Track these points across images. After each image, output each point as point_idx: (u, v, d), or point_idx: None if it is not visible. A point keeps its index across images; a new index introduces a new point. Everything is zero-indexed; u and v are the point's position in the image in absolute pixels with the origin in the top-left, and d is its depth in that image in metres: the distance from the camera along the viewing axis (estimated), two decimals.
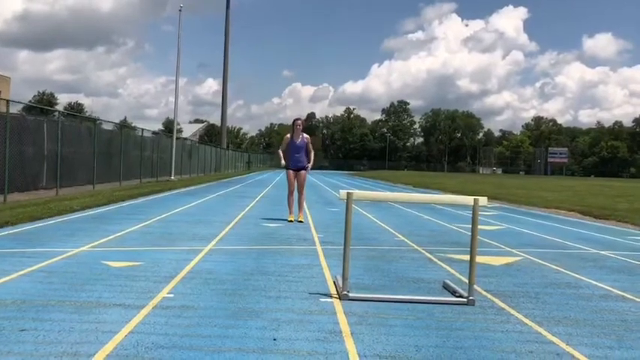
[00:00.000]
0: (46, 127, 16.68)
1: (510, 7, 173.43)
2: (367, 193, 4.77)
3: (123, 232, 7.59)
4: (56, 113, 19.88)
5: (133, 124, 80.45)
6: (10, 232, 7.34)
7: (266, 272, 5.20)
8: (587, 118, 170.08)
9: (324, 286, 4.67)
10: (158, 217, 9.72)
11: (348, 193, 4.29)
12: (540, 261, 6.44)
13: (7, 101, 13.75)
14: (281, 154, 10.02)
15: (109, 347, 2.97)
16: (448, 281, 4.86)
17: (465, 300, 4.22)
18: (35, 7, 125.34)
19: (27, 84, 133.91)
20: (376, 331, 3.47)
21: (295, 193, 9.94)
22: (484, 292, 4.63)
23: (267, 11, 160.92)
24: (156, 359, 2.84)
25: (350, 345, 3.17)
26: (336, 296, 4.29)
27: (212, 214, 10.71)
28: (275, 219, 10.07)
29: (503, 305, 4.26)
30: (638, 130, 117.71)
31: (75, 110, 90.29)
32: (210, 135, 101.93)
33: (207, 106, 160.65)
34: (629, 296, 4.75)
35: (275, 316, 3.71)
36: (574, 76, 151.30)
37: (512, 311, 4.09)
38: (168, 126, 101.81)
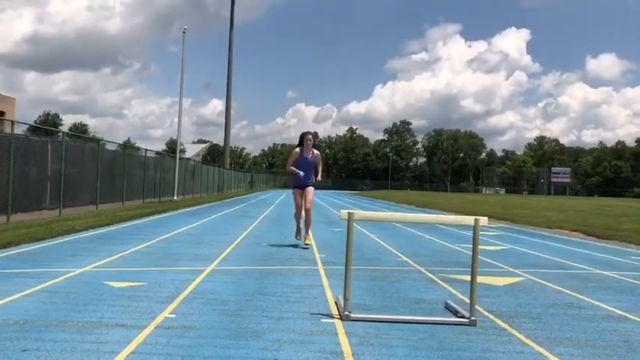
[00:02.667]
0: (50, 147, 16.77)
1: (513, 28, 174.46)
2: (368, 213, 4.79)
3: (125, 253, 7.61)
4: (60, 134, 19.98)
5: (136, 144, 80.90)
6: (13, 252, 7.36)
7: (268, 293, 5.21)
8: (590, 138, 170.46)
9: (325, 307, 4.67)
10: (161, 238, 9.73)
11: (349, 214, 4.32)
12: (543, 281, 6.43)
13: (12, 122, 13.87)
14: (288, 169, 9.14)
15: (126, 351, 2.98)
16: (450, 302, 4.86)
17: (466, 320, 4.22)
18: (44, 29, 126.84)
19: (32, 105, 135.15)
20: (377, 351, 3.47)
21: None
22: (486, 313, 4.63)
23: (271, 31, 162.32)
24: None
25: (349, 354, 3.17)
26: (338, 317, 4.30)
27: (214, 235, 10.72)
28: (277, 239, 10.08)
29: (504, 326, 4.25)
30: None
31: (79, 131, 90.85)
32: (214, 155, 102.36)
33: (212, 127, 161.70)
34: (631, 317, 4.74)
35: (276, 337, 3.71)
36: (577, 96, 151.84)
37: (514, 332, 4.09)
38: (172, 146, 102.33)
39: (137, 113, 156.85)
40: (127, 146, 27.01)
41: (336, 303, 4.74)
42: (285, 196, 40.48)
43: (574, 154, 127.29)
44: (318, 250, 8.63)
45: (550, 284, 6.24)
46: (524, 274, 6.92)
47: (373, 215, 4.75)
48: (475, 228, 4.23)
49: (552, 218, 20.70)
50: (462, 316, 4.33)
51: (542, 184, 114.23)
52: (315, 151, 9.11)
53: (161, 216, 15.66)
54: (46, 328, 3.72)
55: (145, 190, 24.54)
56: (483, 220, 4.25)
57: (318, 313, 4.41)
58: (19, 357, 3.10)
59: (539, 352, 3.58)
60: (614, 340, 3.97)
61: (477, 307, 4.38)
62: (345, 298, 4.25)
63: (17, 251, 7.46)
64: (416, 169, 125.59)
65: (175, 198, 27.10)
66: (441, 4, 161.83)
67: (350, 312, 4.23)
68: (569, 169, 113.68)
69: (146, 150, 25.77)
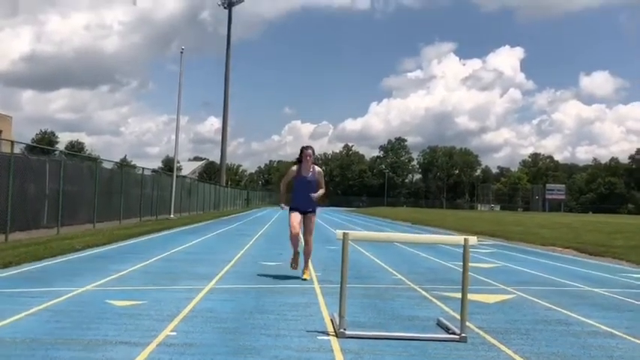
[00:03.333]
0: (48, 166, 16.90)
1: (507, 47, 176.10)
2: (363, 233, 4.98)
3: (125, 272, 7.75)
4: (57, 152, 20.10)
5: (132, 162, 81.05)
6: (15, 272, 7.49)
7: (265, 311, 5.36)
8: (584, 154, 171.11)
9: (321, 324, 4.83)
10: (159, 257, 9.87)
11: (344, 234, 4.49)
12: (533, 298, 6.59)
13: (12, 142, 14.05)
14: (282, 189, 8.14)
15: None
16: (442, 319, 5.02)
17: (457, 337, 4.38)
18: (42, 47, 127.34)
19: (29, 123, 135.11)
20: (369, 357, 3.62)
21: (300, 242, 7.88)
22: (476, 329, 4.79)
23: (268, 49, 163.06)
24: None
25: None
26: (333, 334, 4.45)
27: (212, 253, 10.86)
28: (273, 257, 10.22)
29: (494, 341, 4.42)
30: (634, 166, 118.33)
31: (75, 149, 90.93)
32: (210, 172, 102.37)
33: (209, 144, 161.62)
34: (616, 333, 4.91)
35: (274, 354, 3.87)
36: (571, 113, 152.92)
37: (503, 347, 4.25)
38: (168, 164, 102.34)
39: (134, 131, 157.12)
40: (124, 165, 27.16)
41: (331, 320, 4.89)
42: (282, 214, 40.59)
43: (568, 170, 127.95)
44: (314, 269, 8.78)
45: (540, 301, 6.41)
46: (516, 292, 7.08)
47: (367, 235, 4.95)
48: (465, 247, 4.41)
49: (546, 235, 20.88)
50: (453, 333, 4.49)
51: (536, 200, 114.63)
52: (317, 169, 7.67)
53: (158, 234, 15.79)
54: (52, 346, 3.86)
55: (142, 208, 24.65)
56: (472, 240, 4.44)
57: (315, 331, 4.57)
58: None
59: None
60: (598, 356, 4.13)
61: (468, 323, 4.54)
62: (341, 316, 4.41)
63: (18, 271, 7.59)
64: (411, 186, 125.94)
65: (172, 216, 27.20)
66: (436, 23, 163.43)
67: (345, 329, 4.39)
68: (563, 185, 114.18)
69: (143, 168, 25.92)
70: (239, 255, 10.60)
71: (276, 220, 28.41)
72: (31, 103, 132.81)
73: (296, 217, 7.57)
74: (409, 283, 7.60)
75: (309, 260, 7.88)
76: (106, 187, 21.13)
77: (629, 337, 4.73)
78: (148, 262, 8.96)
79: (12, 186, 13.32)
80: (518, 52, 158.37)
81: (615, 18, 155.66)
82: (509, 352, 4.13)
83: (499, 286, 7.61)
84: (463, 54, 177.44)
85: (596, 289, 7.60)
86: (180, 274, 7.66)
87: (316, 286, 7.05)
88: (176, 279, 7.23)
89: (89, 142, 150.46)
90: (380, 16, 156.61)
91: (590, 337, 4.72)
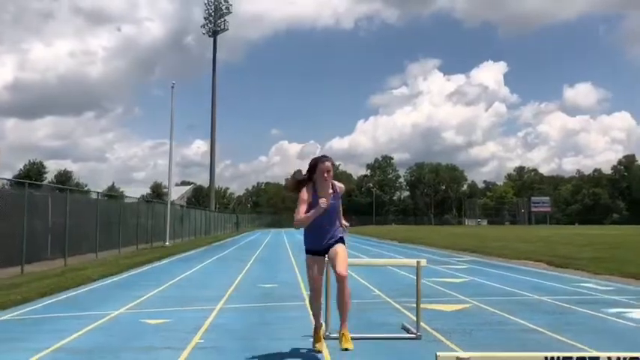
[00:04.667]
0: (50, 201, 18.16)
1: (490, 61, 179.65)
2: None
3: (145, 297, 9.12)
4: (65, 190, 21.36)
5: (120, 189, 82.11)
6: (53, 300, 8.85)
7: (268, 323, 6.79)
8: (570, 165, 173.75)
9: (311, 327, 6.24)
10: (169, 283, 11.24)
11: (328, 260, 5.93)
12: (485, 306, 8.05)
13: (26, 183, 15.41)
14: (301, 217, 5.12)
15: None
16: (405, 323, 6.46)
17: (414, 336, 5.82)
18: (26, 75, 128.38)
19: (13, 151, 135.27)
20: (348, 357, 5.05)
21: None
22: (431, 330, 6.23)
23: (253, 70, 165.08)
24: None
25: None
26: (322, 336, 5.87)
27: (214, 279, 12.24)
28: (269, 279, 11.62)
29: (442, 338, 5.86)
30: (617, 176, 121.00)
31: (64, 177, 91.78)
32: (198, 197, 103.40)
33: (196, 167, 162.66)
34: (540, 329, 6.36)
35: (279, 351, 5.29)
36: (556, 125, 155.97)
37: (448, 342, 5.70)
38: (156, 190, 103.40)
39: (120, 157, 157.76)
40: (122, 196, 28.44)
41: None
42: (272, 236, 41.91)
43: (554, 182, 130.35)
44: (305, 289, 10.19)
45: (490, 308, 7.87)
46: (473, 302, 8.54)
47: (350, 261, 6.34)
48: (417, 269, 5.88)
49: (521, 249, 22.40)
50: (412, 333, 5.93)
51: (522, 214, 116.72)
52: (338, 185, 5.36)
53: (160, 263, 17.12)
54: (116, 352, 5.26)
55: (138, 236, 25.91)
56: (423, 262, 5.91)
57: (307, 335, 5.98)
58: None
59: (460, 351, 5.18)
60: (517, 344, 5.59)
61: (425, 326, 5.99)
62: (326, 323, 5.84)
63: (56, 299, 8.94)
64: (400, 203, 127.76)
65: (167, 243, 28.44)
66: (420, 40, 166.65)
67: (329, 333, 5.81)
68: (548, 198, 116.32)
69: (139, 199, 27.24)
70: (238, 279, 11.99)
71: (267, 244, 29.75)
72: (15, 131, 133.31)
73: (316, 266, 5.20)
74: (386, 297, 9.04)
75: (347, 312, 5.09)
76: (105, 218, 22.42)
77: (548, 332, 6.19)
78: (161, 288, 10.33)
79: (26, 222, 14.67)
80: (502, 67, 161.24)
81: (595, 30, 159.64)
82: (452, 345, 5.57)
83: (461, 297, 9.06)
84: (447, 70, 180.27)
85: (543, 297, 9.08)
86: (193, 297, 9.06)
87: (307, 304, 8.46)
88: (190, 301, 8.62)
89: (75, 169, 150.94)
90: (364, 35, 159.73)
91: (519, 333, 6.18)
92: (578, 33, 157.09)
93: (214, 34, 72.01)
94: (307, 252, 5.29)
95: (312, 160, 5.31)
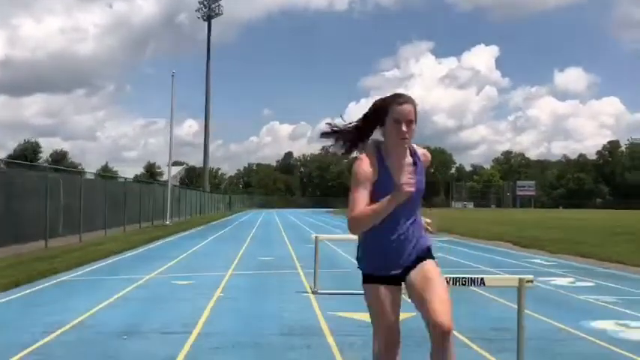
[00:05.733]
0: (62, 182, 19.95)
1: (482, 45, 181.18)
2: (329, 235, 8.42)
3: (167, 266, 11.13)
4: (82, 173, 23.09)
5: (115, 169, 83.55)
6: (92, 268, 10.83)
7: (269, 284, 8.85)
8: (560, 149, 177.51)
9: (304, 288, 8.30)
10: (183, 255, 13.26)
11: (316, 237, 7.97)
12: None
13: (46, 167, 17.25)
14: (361, 211, 2.74)
15: (209, 307, 6.57)
16: None
17: None
18: (16, 53, 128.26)
19: (2, 129, 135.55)
20: (330, 303, 7.08)
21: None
22: None
23: (246, 50, 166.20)
24: (233, 309, 6.45)
25: (316, 305, 6.80)
26: (311, 292, 7.92)
27: (220, 253, 14.27)
28: (267, 254, 13.67)
29: None
30: (601, 162, 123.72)
31: (59, 156, 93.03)
32: (191, 177, 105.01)
33: (188, 147, 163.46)
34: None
35: (281, 294, 7.35)
36: (546, 109, 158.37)
37: None
38: (150, 169, 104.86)
39: (110, 135, 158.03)
40: (126, 180, 30.28)
41: (310, 287, 8.36)
42: (264, 217, 43.99)
43: (540, 166, 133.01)
44: (298, 260, 12.24)
45: None
46: None
47: (330, 237, 8.37)
48: None
49: (495, 231, 24.56)
50: None
51: (508, 197, 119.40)
52: (421, 152, 3.02)
53: (168, 239, 19.15)
54: (164, 301, 7.27)
55: (141, 215, 27.81)
56: None
57: (301, 291, 8.03)
58: (159, 305, 6.66)
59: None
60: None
61: None
62: (315, 282, 7.88)
63: (92, 268, 10.91)
64: None
65: (168, 222, 30.42)
66: (413, 23, 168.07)
67: (318, 290, 7.85)
68: (533, 182, 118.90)
69: (143, 181, 29.13)
70: (240, 253, 14.03)
71: (261, 224, 31.82)
72: (5, 108, 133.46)
73: (389, 301, 2.91)
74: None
75: None
76: (112, 199, 24.31)
77: (480, 291, 8.25)
78: (178, 259, 12.36)
79: (49, 201, 16.56)
80: (493, 51, 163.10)
81: (585, 15, 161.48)
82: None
83: None
84: (439, 53, 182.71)
85: (489, 269, 11.13)
86: (206, 266, 11.09)
87: (300, 270, 10.52)
88: (205, 269, 10.67)
89: (65, 147, 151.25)
90: (357, 17, 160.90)
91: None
92: (569, 18, 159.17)
93: (209, 18, 73.29)
94: (368, 278, 2.93)
95: (378, 100, 2.91)
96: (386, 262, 2.87)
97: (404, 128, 2.76)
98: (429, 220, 3.16)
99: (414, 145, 2.95)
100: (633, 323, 6.12)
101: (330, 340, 5.35)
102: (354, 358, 4.75)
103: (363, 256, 2.97)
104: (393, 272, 2.87)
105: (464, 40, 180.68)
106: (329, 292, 7.92)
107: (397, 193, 2.65)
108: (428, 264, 2.90)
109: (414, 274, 2.84)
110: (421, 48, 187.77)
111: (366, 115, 2.94)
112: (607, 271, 11.16)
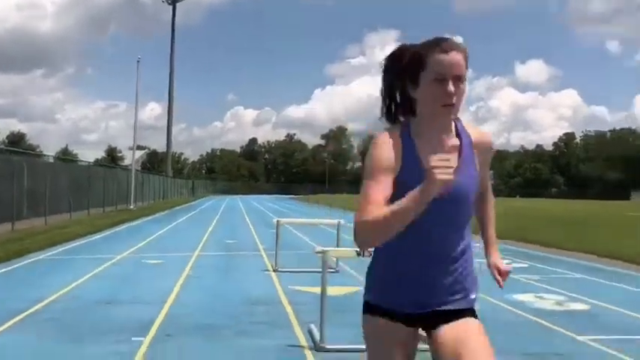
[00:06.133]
0: (25, 165, 20.18)
1: (447, 35, 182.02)
2: (290, 219, 9.20)
3: (137, 247, 11.76)
4: (40, 154, 23.23)
5: (74, 152, 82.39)
6: (64, 248, 11.39)
7: (234, 263, 9.60)
8: (519, 140, 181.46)
9: (265, 266, 9.08)
10: (150, 238, 13.88)
11: (278, 220, 8.74)
12: None
13: (23, 152, 17.57)
14: (370, 215, 1.68)
15: (180, 283, 7.29)
16: (334, 257, 9.34)
17: (334, 270, 8.70)
18: None
19: None
20: (289, 278, 7.87)
21: None
22: (350, 269, 9.13)
23: (210, 34, 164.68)
24: (202, 284, 7.19)
25: (277, 281, 7.58)
26: (272, 270, 8.71)
27: (186, 235, 14.92)
28: (231, 237, 14.39)
29: (352, 272, 8.76)
30: (557, 153, 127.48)
31: (17, 137, 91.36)
32: (153, 162, 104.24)
33: (150, 130, 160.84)
34: None
35: (246, 273, 8.13)
36: (506, 100, 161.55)
37: (355, 273, 8.59)
38: (111, 153, 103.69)
39: (70, 117, 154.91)
40: (88, 164, 30.47)
41: (271, 265, 9.14)
42: (228, 203, 44.51)
43: (499, 156, 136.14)
44: (261, 242, 12.99)
45: None
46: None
47: (292, 221, 9.16)
48: (338, 227, 8.73)
49: None
50: (334, 269, 8.81)
51: None
52: (475, 132, 2.07)
53: (134, 223, 19.66)
54: (136, 278, 7.95)
55: (105, 200, 28.08)
56: (342, 222, 8.77)
57: (263, 270, 8.80)
58: (138, 274, 7.35)
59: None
60: None
61: (344, 266, 8.86)
62: (276, 261, 8.67)
63: (64, 248, 11.47)
64: (353, 173, 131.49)
65: (132, 207, 30.72)
66: (378, 11, 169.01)
67: (278, 268, 8.64)
68: (491, 171, 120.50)
69: (111, 165, 29.35)
70: (206, 236, 14.71)
71: (225, 209, 32.38)
72: None
73: (396, 350, 1.90)
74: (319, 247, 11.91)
75: None
76: (76, 182, 24.57)
77: None
78: (147, 241, 13.00)
79: (18, 184, 16.92)
80: (458, 40, 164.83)
81: (548, 8, 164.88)
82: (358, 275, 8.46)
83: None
84: (405, 41, 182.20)
85: None
86: (174, 247, 11.77)
87: (262, 251, 11.30)
88: (173, 250, 11.34)
89: (22, 128, 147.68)
90: (323, 2, 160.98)
91: None
92: (533, 11, 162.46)
93: (174, 1, 72.70)
94: (370, 309, 1.98)
95: (406, 47, 2.10)
96: (403, 292, 1.89)
97: (450, 88, 1.85)
98: (503, 265, 2.14)
99: (462, 121, 2.02)
100: (547, 295, 7.13)
101: (289, 308, 6.16)
102: (307, 320, 5.55)
103: (373, 283, 1.98)
104: (410, 311, 1.89)
105: (429, 29, 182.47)
106: (289, 270, 8.72)
107: (426, 184, 1.59)
108: (472, 325, 1.90)
109: (449, 332, 1.86)
110: (387, 37, 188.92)
111: (397, 69, 2.02)
112: (542, 254, 12.24)
